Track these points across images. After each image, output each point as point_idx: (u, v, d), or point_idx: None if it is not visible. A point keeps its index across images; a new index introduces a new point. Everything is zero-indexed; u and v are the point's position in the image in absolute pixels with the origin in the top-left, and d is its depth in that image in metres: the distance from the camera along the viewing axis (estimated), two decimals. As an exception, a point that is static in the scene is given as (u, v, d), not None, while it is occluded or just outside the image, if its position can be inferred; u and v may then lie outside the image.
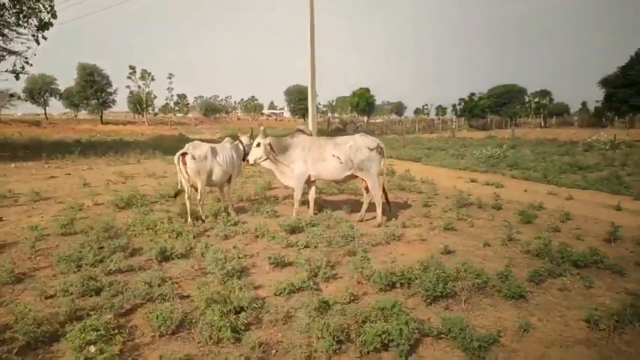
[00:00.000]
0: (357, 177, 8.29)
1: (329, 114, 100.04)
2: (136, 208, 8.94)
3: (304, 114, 78.26)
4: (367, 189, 8.39)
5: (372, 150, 8.01)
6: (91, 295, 4.80)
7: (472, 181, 13.48)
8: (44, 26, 19.03)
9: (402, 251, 6.58)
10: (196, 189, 8.07)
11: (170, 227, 7.17)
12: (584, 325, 4.27)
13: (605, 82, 32.29)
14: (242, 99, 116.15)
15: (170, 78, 67.36)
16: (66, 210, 8.88)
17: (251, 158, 8.11)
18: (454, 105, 64.50)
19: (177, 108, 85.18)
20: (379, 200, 8.05)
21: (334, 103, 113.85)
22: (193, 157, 7.80)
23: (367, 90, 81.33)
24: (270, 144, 8.12)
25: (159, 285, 5.00)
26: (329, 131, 44.91)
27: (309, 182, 8.46)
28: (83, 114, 78.18)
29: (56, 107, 71.96)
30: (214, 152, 8.17)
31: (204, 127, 58.45)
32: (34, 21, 19.36)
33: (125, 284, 5.01)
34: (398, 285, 5.05)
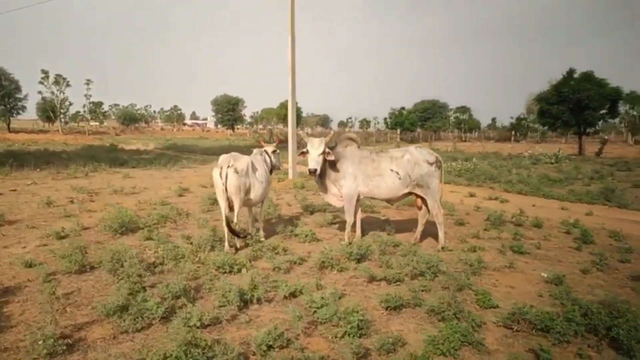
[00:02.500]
0: (411, 195, 7.37)
1: (255, 126, 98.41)
2: (144, 233, 7.35)
3: (232, 124, 76.16)
4: (420, 207, 7.48)
5: (431, 164, 7.11)
6: (197, 368, 3.43)
7: (471, 195, 13.02)
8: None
9: (505, 282, 5.71)
10: (232, 209, 6.70)
11: (220, 260, 5.76)
12: None
13: (539, 99, 34.02)
14: (161, 109, 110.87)
15: (88, 84, 62.36)
16: (50, 238, 7.17)
17: (314, 166, 6.87)
18: (385, 119, 65.76)
19: (90, 116, 78.99)
20: (440, 220, 7.15)
21: (258, 114, 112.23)
22: (235, 171, 6.45)
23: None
24: (329, 154, 6.94)
25: (282, 348, 3.74)
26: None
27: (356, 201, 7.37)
28: (-18, 121, 70.57)
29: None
30: (252, 166, 6.88)
31: (130, 137, 54.55)
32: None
33: (230, 345, 3.67)
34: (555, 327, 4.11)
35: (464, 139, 72.11)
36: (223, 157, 6.65)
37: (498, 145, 46.41)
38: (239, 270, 5.77)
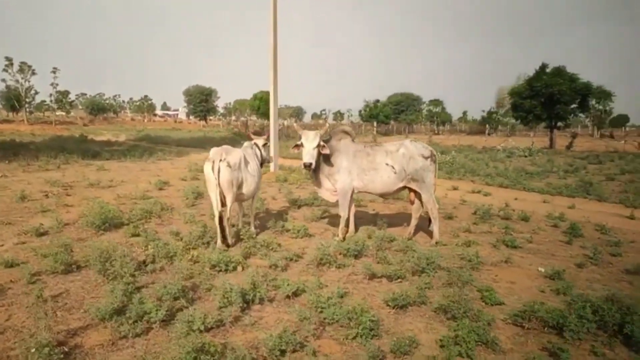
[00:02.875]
0: (404, 189, 7.27)
1: (228, 117, 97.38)
2: (129, 229, 7.04)
3: (205, 115, 75.05)
4: (412, 202, 7.39)
5: (426, 158, 7.02)
6: (207, 376, 3.23)
7: (454, 189, 13.06)
8: None
9: (505, 277, 5.67)
10: (224, 204, 6.46)
11: (215, 258, 5.53)
12: None
13: (513, 93, 34.58)
14: (131, 98, 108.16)
15: (54, 72, 60.17)
16: (29, 235, 6.82)
17: (309, 160, 6.67)
18: (360, 111, 65.82)
19: (57, 106, 76.16)
20: (435, 215, 7.08)
21: (231, 105, 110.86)
22: (228, 165, 6.21)
23: (268, 93, 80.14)
24: (324, 147, 6.74)
25: (294, 351, 3.58)
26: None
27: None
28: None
29: None
30: (245, 159, 6.65)
31: (99, 127, 53.10)
32: None
33: (240, 350, 3.48)
34: (569, 325, 4.06)
35: (436, 132, 72.95)
36: (215, 150, 6.40)
37: (472, 138, 47.05)
38: (234, 268, 5.56)
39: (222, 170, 6.18)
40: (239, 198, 6.74)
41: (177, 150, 24.41)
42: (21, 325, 3.99)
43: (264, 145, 7.54)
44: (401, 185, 7.04)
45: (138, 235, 6.89)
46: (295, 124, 7.53)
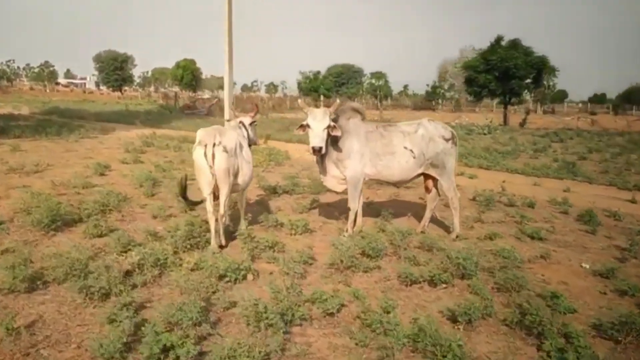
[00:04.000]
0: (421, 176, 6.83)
1: (147, 88, 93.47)
2: (89, 228, 6.11)
3: (120, 84, 71.26)
4: (429, 190, 6.97)
5: (447, 140, 6.62)
6: None
7: (435, 171, 12.88)
8: None
9: (553, 277, 5.41)
10: (217, 197, 5.73)
11: (223, 266, 4.83)
12: None
13: (466, 67, 35.29)
14: (28, 64, 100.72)
15: None
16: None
17: (319, 143, 6.04)
18: (298, 83, 65.00)
19: None
20: (456, 205, 6.71)
21: (148, 74, 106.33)
22: (225, 150, 5.46)
23: (193, 62, 77.35)
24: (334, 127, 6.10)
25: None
26: (178, 109, 39.80)
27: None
28: None
29: None
30: (239, 142, 5.92)
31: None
32: None
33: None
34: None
35: (381, 106, 73.70)
36: (206, 132, 5.62)
37: (422, 113, 47.75)
38: (244, 277, 4.91)
39: (217, 156, 5.42)
40: (233, 189, 6.01)
41: (100, 127, 22.59)
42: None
43: (251, 124, 6.80)
44: (420, 171, 6.60)
45: (102, 235, 6.02)
46: (299, 101, 6.86)
